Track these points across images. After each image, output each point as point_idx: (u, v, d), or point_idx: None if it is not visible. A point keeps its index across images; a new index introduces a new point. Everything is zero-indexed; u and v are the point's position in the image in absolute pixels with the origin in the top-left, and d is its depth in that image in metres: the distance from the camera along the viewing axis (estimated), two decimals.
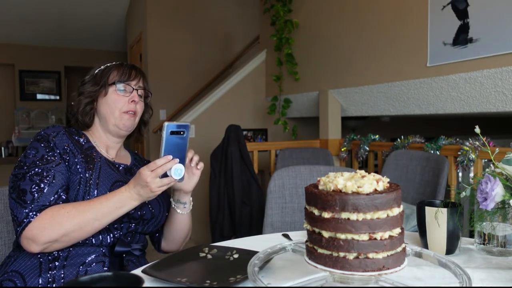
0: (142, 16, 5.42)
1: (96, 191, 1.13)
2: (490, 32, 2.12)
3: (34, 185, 1.08)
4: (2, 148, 7.54)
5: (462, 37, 2.26)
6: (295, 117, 4.18)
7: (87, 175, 1.15)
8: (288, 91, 3.94)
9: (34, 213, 1.04)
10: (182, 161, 1.07)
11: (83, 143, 1.24)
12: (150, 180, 1.03)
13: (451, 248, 1.00)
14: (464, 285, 0.70)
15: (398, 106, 2.92)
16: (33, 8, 5.93)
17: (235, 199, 2.98)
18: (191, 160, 1.23)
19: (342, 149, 3.31)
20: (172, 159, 1.05)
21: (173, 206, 1.29)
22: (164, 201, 1.32)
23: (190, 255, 1.01)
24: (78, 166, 1.15)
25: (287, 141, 3.70)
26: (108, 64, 1.33)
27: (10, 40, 7.20)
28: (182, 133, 1.06)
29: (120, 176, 1.24)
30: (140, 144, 5.47)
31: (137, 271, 0.89)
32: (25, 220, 1.04)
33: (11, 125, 7.63)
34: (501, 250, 0.99)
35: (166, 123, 1.04)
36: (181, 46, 5.30)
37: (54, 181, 1.10)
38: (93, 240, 1.11)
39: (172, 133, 1.05)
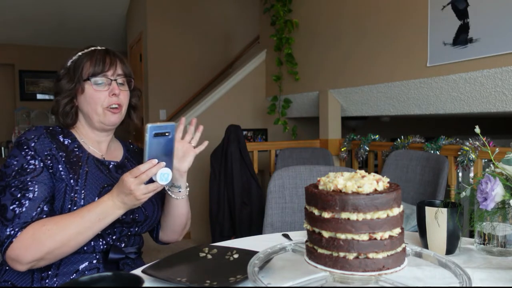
0: (142, 16, 5.42)
1: (82, 201, 1.06)
2: (490, 32, 2.12)
3: (14, 200, 1.01)
4: (2, 148, 7.54)
5: (462, 37, 2.26)
6: (295, 117, 4.18)
7: (72, 182, 1.07)
8: (288, 91, 3.94)
9: (16, 232, 0.98)
10: (169, 165, 1.00)
11: (68, 143, 1.16)
12: (134, 188, 0.97)
13: (451, 248, 1.00)
14: (464, 285, 0.70)
15: (398, 106, 2.92)
16: (33, 8, 5.93)
17: (235, 199, 2.98)
18: (183, 137, 1.18)
19: (342, 149, 3.31)
20: (158, 163, 0.97)
21: (167, 190, 1.21)
22: (159, 199, 1.26)
23: (190, 255, 1.01)
24: (62, 173, 1.08)
25: (287, 141, 3.70)
26: (80, 53, 1.19)
27: (10, 40, 7.20)
28: (167, 134, 0.99)
29: (109, 178, 1.16)
30: (141, 143, 5.47)
31: (137, 271, 0.89)
32: (6, 240, 0.98)
33: (11, 125, 7.63)
34: (501, 250, 0.99)
35: (148, 125, 0.96)
36: (181, 46, 5.30)
37: (35, 194, 1.03)
38: (85, 247, 1.07)
39: (156, 135, 0.97)
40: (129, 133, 5.03)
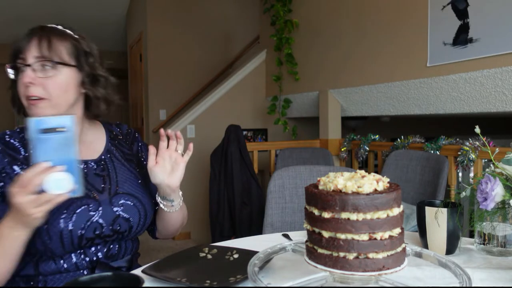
0: (142, 16, 5.42)
1: (45, 225, 0.91)
2: (490, 32, 2.12)
3: None
4: None
5: (462, 37, 2.26)
6: (295, 117, 4.18)
7: None
8: (288, 91, 3.94)
9: None
10: (71, 168, 0.81)
11: (27, 153, 0.98)
12: (22, 201, 0.78)
13: (451, 248, 1.00)
14: (464, 285, 0.70)
15: (398, 106, 2.92)
16: (33, 8, 5.93)
17: (235, 199, 2.98)
18: (169, 146, 1.03)
19: (342, 149, 3.31)
20: (50, 166, 0.79)
21: (159, 202, 1.09)
22: (147, 199, 1.10)
23: (190, 255, 1.01)
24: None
25: (287, 141, 3.70)
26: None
27: (10, 40, 7.20)
28: (62, 130, 0.80)
29: (86, 184, 0.99)
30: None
31: (137, 271, 0.89)
32: None
33: (11, 125, 7.63)
34: (501, 250, 0.99)
35: (31, 119, 0.79)
36: (181, 46, 5.30)
37: None
38: (65, 265, 0.97)
39: (47, 131, 0.79)
40: None
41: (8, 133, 1.02)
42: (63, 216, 0.94)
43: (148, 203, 1.09)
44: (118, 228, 1.02)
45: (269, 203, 1.75)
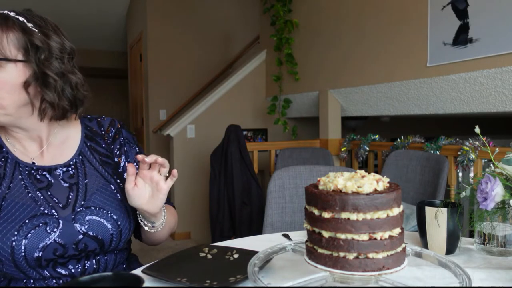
0: (142, 16, 5.42)
1: None
2: (490, 32, 2.12)
3: None
4: None
5: (462, 37, 2.26)
6: (295, 117, 4.18)
7: None
8: (288, 91, 3.94)
9: None
10: None
11: None
12: None
13: (451, 248, 1.00)
14: (464, 285, 0.70)
15: (398, 106, 2.92)
16: (33, 8, 5.91)
17: (235, 199, 2.98)
18: (151, 167, 0.89)
19: (342, 149, 3.31)
20: None
21: (140, 221, 0.98)
22: (122, 211, 0.97)
23: (190, 255, 1.00)
24: None
25: (287, 141, 3.70)
26: None
27: None
28: None
29: (44, 195, 0.89)
30: (141, 145, 5.46)
31: (137, 271, 0.89)
32: None
33: None
34: (501, 250, 0.99)
35: None
36: (181, 46, 5.31)
37: None
38: (36, 284, 0.89)
39: None
40: None
41: None
42: (13, 238, 0.84)
43: (123, 217, 0.96)
44: (85, 247, 0.90)
45: (269, 203, 1.75)
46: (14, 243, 0.84)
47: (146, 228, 0.98)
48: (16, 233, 0.85)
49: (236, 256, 0.99)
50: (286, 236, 1.21)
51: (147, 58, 5.22)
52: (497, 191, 0.93)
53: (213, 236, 3.08)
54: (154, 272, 0.87)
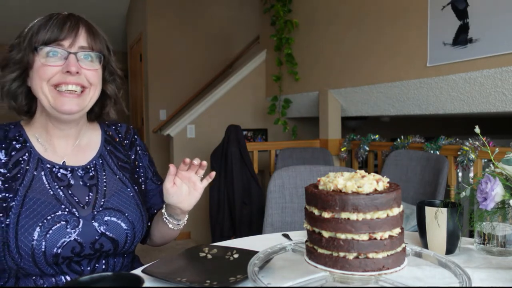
0: (142, 16, 5.42)
1: (14, 243, 0.84)
2: (490, 32, 2.12)
3: None
4: None
5: (462, 37, 2.26)
6: (295, 117, 4.18)
7: (1, 218, 0.84)
8: (288, 91, 3.94)
9: None
10: None
11: (6, 155, 0.91)
12: None
13: (451, 248, 1.00)
14: (464, 285, 0.70)
15: (398, 106, 2.92)
16: (33, 8, 5.93)
17: (235, 199, 2.98)
18: (189, 168, 0.94)
19: (342, 149, 3.31)
20: None
21: (164, 218, 1.02)
22: (137, 215, 1.00)
23: (190, 255, 1.00)
24: None
25: (287, 141, 3.70)
26: (40, 18, 0.94)
27: (10, 40, 7.20)
28: None
29: (66, 193, 0.91)
30: None
31: (137, 271, 0.89)
32: None
33: None
34: (501, 250, 0.99)
35: None
36: (181, 46, 5.31)
37: None
38: (45, 284, 0.90)
39: None
40: None
41: None
42: (35, 234, 0.86)
43: (138, 221, 1.00)
44: (100, 247, 0.93)
45: (269, 203, 1.75)
46: (35, 239, 0.86)
47: (170, 226, 1.02)
48: (38, 229, 0.86)
49: (236, 256, 0.99)
50: (286, 236, 1.21)
51: (147, 58, 5.22)
52: (497, 191, 0.93)
53: (213, 236, 3.08)
54: (154, 272, 0.87)
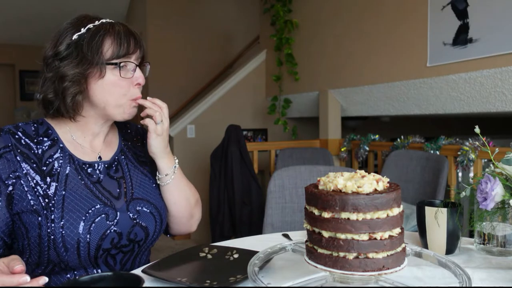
0: (142, 16, 5.42)
1: (61, 233, 0.88)
2: (490, 32, 2.12)
3: None
4: None
5: (462, 37, 2.26)
6: (295, 117, 4.18)
7: (45, 211, 0.88)
8: (288, 91, 3.94)
9: None
10: None
11: (39, 150, 0.93)
12: None
13: (451, 248, 1.00)
14: (464, 285, 0.70)
15: (398, 106, 2.92)
16: (33, 8, 5.93)
17: (235, 199, 2.98)
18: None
19: (342, 149, 3.31)
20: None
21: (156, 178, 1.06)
22: (162, 204, 1.06)
23: (190, 255, 1.00)
24: (30, 198, 0.89)
25: (287, 141, 3.70)
26: (91, 26, 0.94)
27: (10, 40, 7.20)
28: None
29: (97, 194, 0.95)
30: None
31: (137, 271, 0.89)
32: None
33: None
34: (501, 250, 0.99)
35: None
36: (181, 46, 5.31)
37: None
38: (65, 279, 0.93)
39: None
40: None
41: (21, 129, 0.95)
42: (80, 226, 0.90)
43: (163, 209, 1.05)
44: (134, 237, 0.98)
45: (269, 203, 1.75)
46: (81, 232, 0.90)
47: (159, 182, 1.05)
48: (82, 223, 0.90)
49: (236, 256, 0.99)
50: (286, 236, 1.21)
51: (147, 58, 5.22)
52: (497, 191, 0.93)
53: (213, 236, 3.08)
54: (154, 272, 0.87)
